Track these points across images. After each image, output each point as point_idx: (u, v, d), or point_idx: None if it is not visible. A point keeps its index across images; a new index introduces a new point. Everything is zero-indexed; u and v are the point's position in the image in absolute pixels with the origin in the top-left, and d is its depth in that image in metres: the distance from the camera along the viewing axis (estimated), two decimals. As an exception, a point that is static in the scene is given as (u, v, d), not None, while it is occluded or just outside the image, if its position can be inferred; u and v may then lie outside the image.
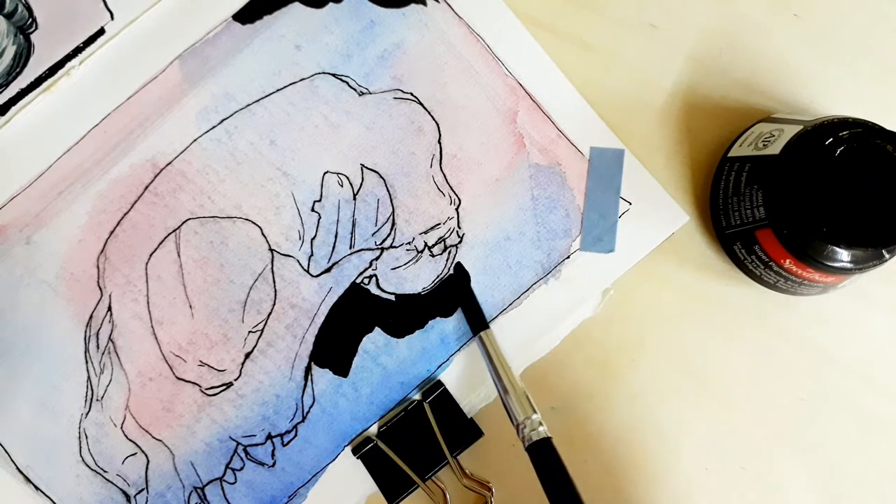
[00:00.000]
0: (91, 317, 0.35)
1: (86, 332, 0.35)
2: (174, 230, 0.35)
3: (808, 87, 0.37)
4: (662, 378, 0.36)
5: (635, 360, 0.36)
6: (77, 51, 0.35)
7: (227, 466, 0.35)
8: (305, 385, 0.35)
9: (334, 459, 0.35)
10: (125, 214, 0.35)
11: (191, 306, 0.35)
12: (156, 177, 0.35)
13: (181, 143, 0.35)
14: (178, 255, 0.35)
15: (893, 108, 0.37)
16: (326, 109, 0.36)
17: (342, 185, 0.35)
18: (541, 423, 0.32)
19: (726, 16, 0.37)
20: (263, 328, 0.35)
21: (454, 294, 0.35)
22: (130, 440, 0.34)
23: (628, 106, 0.36)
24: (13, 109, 0.35)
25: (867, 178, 0.30)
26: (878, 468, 0.35)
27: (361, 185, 0.35)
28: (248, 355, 0.35)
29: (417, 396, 0.35)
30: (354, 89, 0.36)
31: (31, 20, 0.35)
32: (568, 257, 0.36)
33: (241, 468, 0.35)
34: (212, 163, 0.35)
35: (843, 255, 0.30)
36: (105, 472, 0.34)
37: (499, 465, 0.35)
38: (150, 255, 0.35)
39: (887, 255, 0.31)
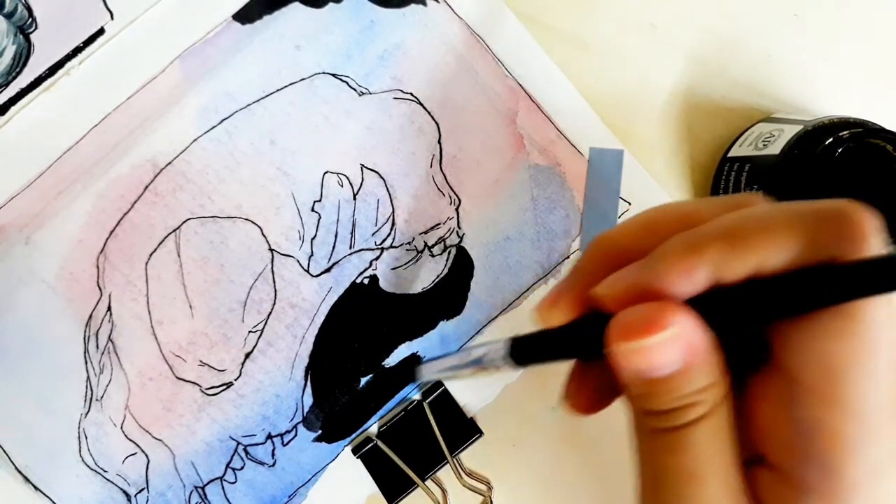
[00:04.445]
0: (90, 316, 0.35)
1: (85, 331, 0.35)
2: (174, 230, 0.35)
3: (808, 87, 0.37)
4: (662, 378, 0.36)
5: (635, 359, 0.36)
6: (77, 51, 0.35)
7: (227, 466, 0.35)
8: (305, 385, 0.35)
9: (334, 459, 0.35)
10: (125, 214, 0.35)
11: (191, 306, 0.35)
12: (156, 176, 0.35)
13: (181, 142, 0.35)
14: (178, 255, 0.35)
15: (893, 108, 0.37)
16: (326, 109, 0.36)
17: (342, 185, 0.35)
18: None
19: (726, 16, 0.37)
20: (263, 328, 0.35)
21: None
22: (130, 440, 0.34)
23: (628, 106, 0.36)
24: (13, 109, 0.35)
25: (867, 178, 0.30)
26: None
27: (361, 185, 0.35)
28: (248, 355, 0.35)
29: (417, 396, 0.35)
30: (354, 89, 0.36)
31: (31, 20, 0.35)
32: (568, 257, 0.36)
33: (242, 467, 0.35)
34: (212, 163, 0.35)
35: (843, 256, 0.30)
36: (105, 471, 0.34)
37: (498, 465, 0.35)
38: (150, 255, 0.35)
39: (887, 256, 0.31)
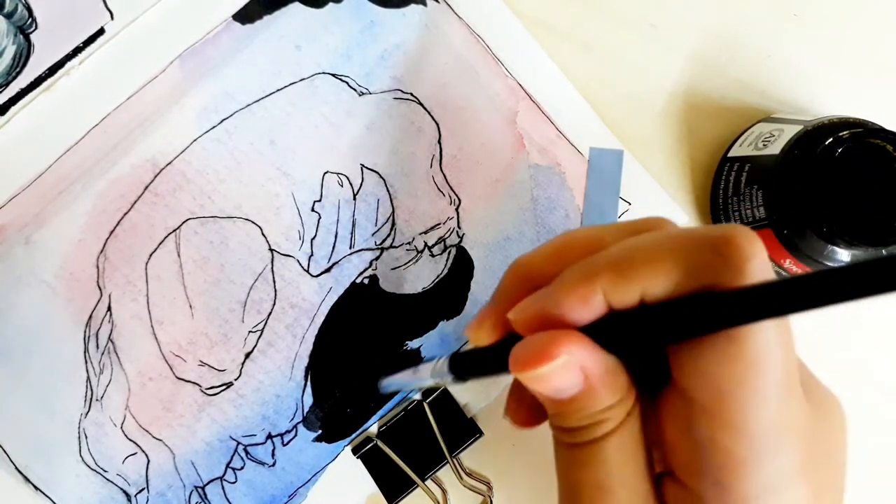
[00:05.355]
0: (91, 317, 0.35)
1: (85, 331, 0.35)
2: (174, 230, 0.35)
3: (808, 87, 0.37)
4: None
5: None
6: (77, 51, 0.35)
7: (227, 466, 0.35)
8: (305, 385, 0.35)
9: (334, 459, 0.35)
10: (125, 214, 0.35)
11: (191, 306, 0.35)
12: (156, 176, 0.35)
13: (181, 142, 0.35)
14: (178, 255, 0.35)
15: (893, 108, 0.37)
16: (326, 109, 0.36)
17: (342, 185, 0.35)
18: None
19: (726, 16, 0.37)
20: (263, 328, 0.35)
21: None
22: (130, 440, 0.34)
23: (628, 106, 0.36)
24: (13, 109, 0.35)
25: (867, 178, 0.30)
26: (879, 468, 0.35)
27: (361, 185, 0.35)
28: (248, 355, 0.35)
29: (417, 396, 0.35)
30: (354, 89, 0.36)
31: (31, 20, 0.35)
32: (568, 257, 0.36)
33: (242, 467, 0.35)
34: (212, 163, 0.35)
35: (843, 255, 0.30)
36: (105, 471, 0.34)
37: (499, 465, 0.35)
38: (150, 255, 0.35)
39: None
